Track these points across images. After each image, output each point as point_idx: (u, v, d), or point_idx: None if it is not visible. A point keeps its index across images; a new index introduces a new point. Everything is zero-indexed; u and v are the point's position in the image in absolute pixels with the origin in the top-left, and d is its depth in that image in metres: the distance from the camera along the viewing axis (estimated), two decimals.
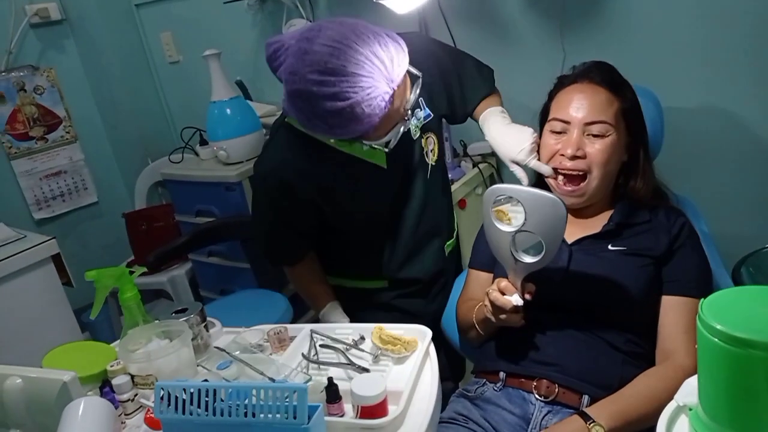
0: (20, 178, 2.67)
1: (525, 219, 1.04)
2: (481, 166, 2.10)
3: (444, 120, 1.98)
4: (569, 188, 1.20)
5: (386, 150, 1.19)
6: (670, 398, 1.08)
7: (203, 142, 2.47)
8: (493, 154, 2.11)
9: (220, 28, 2.62)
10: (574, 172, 1.19)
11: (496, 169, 2.17)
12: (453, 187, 1.95)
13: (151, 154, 2.89)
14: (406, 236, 1.40)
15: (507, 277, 1.12)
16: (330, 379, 0.91)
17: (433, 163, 1.42)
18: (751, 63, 1.65)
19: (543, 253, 1.05)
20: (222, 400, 0.84)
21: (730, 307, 0.72)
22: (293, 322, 2.39)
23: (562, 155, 1.19)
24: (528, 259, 1.06)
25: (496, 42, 2.01)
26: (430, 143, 1.41)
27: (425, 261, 1.44)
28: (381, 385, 0.89)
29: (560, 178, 1.21)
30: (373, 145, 1.18)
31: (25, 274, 1.93)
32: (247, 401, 0.83)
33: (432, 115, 1.39)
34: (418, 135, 1.35)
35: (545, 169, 1.23)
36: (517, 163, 1.30)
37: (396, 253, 1.41)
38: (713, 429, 0.72)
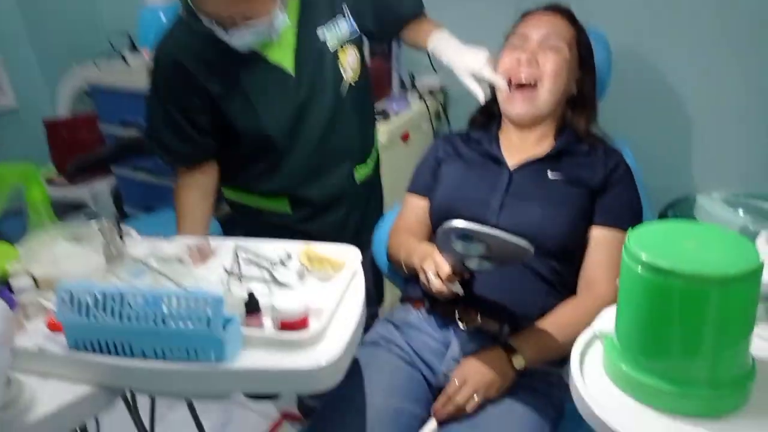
0: None
1: (487, 254, 0.96)
2: (428, 101, 2.05)
3: (385, 45, 1.93)
4: (520, 95, 1.23)
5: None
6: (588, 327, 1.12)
7: (133, 48, 2.29)
8: (442, 90, 2.13)
9: None
10: (526, 81, 1.22)
11: (442, 106, 2.13)
12: (397, 120, 1.92)
13: (77, 58, 2.66)
14: (310, 150, 1.36)
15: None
16: (251, 294, 0.87)
17: (351, 82, 1.38)
18: (703, 12, 1.65)
19: (493, 268, 1.00)
20: (130, 307, 0.79)
21: (655, 239, 0.72)
22: None
23: (518, 61, 1.22)
24: (476, 267, 1.00)
25: None
26: (350, 58, 1.37)
27: (329, 181, 1.41)
28: (302, 301, 0.86)
29: (513, 90, 1.24)
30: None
31: None
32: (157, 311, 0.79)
33: (358, 32, 1.36)
34: (334, 43, 1.32)
35: (499, 81, 1.24)
36: (474, 77, 1.30)
37: (298, 167, 1.37)
38: (625, 356, 0.74)
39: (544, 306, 1.14)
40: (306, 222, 1.45)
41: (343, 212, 1.47)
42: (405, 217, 1.36)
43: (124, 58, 2.35)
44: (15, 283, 0.91)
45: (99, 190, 2.42)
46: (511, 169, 1.23)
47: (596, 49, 1.34)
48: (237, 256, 1.06)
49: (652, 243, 0.71)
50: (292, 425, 1.83)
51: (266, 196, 1.43)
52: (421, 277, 1.10)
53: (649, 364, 0.71)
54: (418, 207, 1.34)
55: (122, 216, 2.45)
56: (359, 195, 1.50)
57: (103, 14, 2.76)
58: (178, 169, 1.42)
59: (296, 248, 1.08)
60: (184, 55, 1.23)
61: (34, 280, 0.93)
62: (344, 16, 1.33)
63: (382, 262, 1.44)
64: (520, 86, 1.23)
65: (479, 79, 1.31)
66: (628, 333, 0.74)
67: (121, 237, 1.10)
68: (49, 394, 0.80)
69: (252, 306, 0.86)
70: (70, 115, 2.66)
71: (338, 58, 1.35)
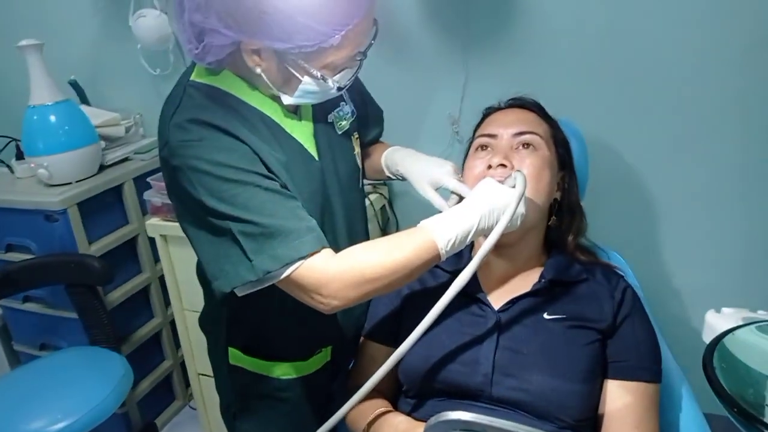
0: None
1: None
2: (372, 197, 1.80)
3: None
4: None
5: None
6: None
7: (20, 156, 1.94)
8: (385, 183, 1.89)
9: (49, 15, 2.11)
10: None
11: (388, 201, 1.88)
12: None
13: None
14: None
15: None
16: None
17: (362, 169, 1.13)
18: (683, 91, 1.49)
19: None
20: None
21: None
22: (134, 387, 1.93)
23: (489, 167, 0.97)
24: None
25: (394, 52, 1.72)
26: (357, 145, 1.11)
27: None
28: None
29: None
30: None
31: None
32: None
33: (356, 114, 1.10)
34: (345, 129, 1.06)
35: (467, 191, 0.97)
36: (436, 187, 1.05)
37: None
38: None
39: None
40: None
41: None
42: (363, 369, 1.07)
43: (9, 168, 1.99)
44: None
45: None
46: (498, 309, 0.97)
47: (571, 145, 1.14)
48: None
49: None
50: None
51: (305, 357, 1.10)
52: None
53: None
54: (381, 357, 1.05)
55: (14, 357, 2.01)
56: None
57: None
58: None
59: None
60: (223, 120, 0.88)
61: None
62: (345, 101, 1.07)
63: None
64: None
65: (442, 191, 1.06)
66: None
67: None
68: None
69: None
70: None
71: (354, 147, 1.09)
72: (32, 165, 1.77)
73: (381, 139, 1.27)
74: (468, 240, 0.87)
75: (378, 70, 1.28)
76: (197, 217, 0.89)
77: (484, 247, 0.84)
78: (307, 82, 0.87)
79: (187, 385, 2.13)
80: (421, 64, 1.70)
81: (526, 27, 1.56)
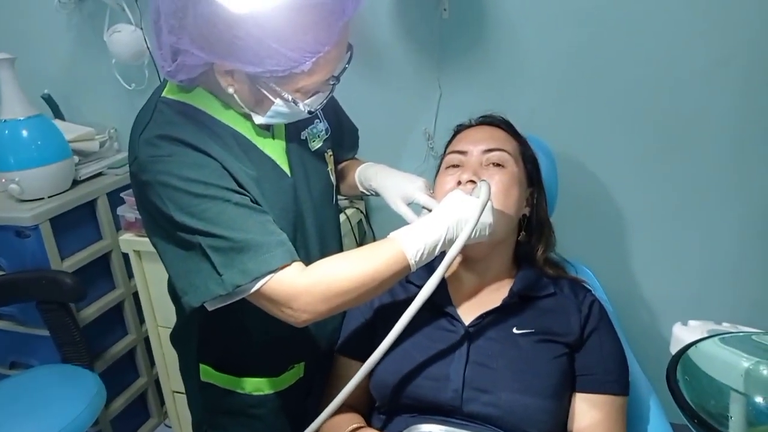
0: None
1: None
2: (348, 212, 1.81)
3: None
4: None
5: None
6: None
7: None
8: (362, 198, 1.90)
9: (23, 30, 2.09)
10: None
11: (365, 216, 1.89)
12: None
13: None
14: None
15: None
16: None
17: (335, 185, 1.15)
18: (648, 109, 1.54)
19: None
20: None
21: None
22: (108, 405, 1.91)
23: (459, 183, 0.99)
24: None
25: (370, 70, 1.74)
26: (331, 162, 1.12)
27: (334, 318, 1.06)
28: None
29: None
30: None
31: None
32: None
33: (330, 131, 1.11)
34: (318, 146, 1.07)
35: (436, 204, 0.98)
36: (408, 202, 1.06)
37: None
38: None
39: None
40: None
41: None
42: (337, 385, 1.07)
43: None
44: None
45: None
46: (467, 324, 0.98)
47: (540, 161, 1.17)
48: None
49: None
50: None
51: (278, 372, 1.10)
52: None
53: None
54: (352, 372, 1.05)
55: None
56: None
57: None
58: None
59: None
60: (192, 136, 0.88)
61: None
62: (320, 119, 1.09)
63: None
64: None
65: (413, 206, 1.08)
66: None
67: None
68: None
69: None
70: None
71: (328, 164, 1.10)
72: (3, 180, 1.74)
73: (357, 156, 1.29)
74: (437, 251, 0.88)
75: (354, 88, 1.28)
76: (166, 231, 0.89)
77: (450, 253, 0.85)
78: (278, 104, 0.88)
79: (162, 403, 2.10)
80: (396, 82, 1.73)
81: (497, 46, 1.59)
